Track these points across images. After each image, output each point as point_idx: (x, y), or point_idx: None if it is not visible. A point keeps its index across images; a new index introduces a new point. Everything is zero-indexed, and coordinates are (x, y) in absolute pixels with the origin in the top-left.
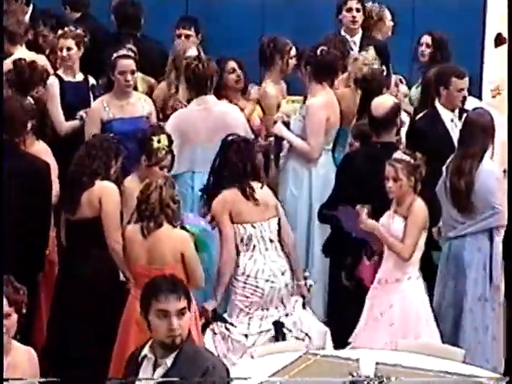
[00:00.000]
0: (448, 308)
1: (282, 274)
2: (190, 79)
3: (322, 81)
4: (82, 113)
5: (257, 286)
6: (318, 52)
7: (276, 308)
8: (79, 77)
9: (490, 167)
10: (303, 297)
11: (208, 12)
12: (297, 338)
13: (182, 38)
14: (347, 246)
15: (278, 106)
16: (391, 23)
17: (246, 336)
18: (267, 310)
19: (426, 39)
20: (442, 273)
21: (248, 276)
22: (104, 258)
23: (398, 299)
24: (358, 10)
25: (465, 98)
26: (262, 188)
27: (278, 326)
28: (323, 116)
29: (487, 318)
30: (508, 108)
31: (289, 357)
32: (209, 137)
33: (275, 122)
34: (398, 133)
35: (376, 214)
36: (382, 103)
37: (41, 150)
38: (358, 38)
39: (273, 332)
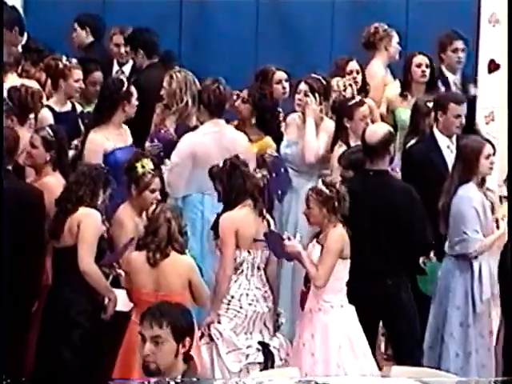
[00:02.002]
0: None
1: (265, 299)
2: (208, 101)
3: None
4: (76, 142)
5: (240, 307)
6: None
7: (260, 332)
8: (68, 106)
9: (468, 194)
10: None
11: (201, 38)
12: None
13: None
14: None
15: None
16: (398, 46)
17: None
18: (251, 333)
19: (424, 60)
20: (434, 297)
21: (232, 297)
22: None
23: (320, 329)
24: (463, 51)
25: (462, 125)
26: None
27: (264, 346)
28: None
29: (470, 344)
30: (508, 117)
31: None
32: (219, 160)
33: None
34: (391, 161)
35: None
36: (376, 131)
37: (51, 181)
38: (458, 77)
39: (260, 354)
